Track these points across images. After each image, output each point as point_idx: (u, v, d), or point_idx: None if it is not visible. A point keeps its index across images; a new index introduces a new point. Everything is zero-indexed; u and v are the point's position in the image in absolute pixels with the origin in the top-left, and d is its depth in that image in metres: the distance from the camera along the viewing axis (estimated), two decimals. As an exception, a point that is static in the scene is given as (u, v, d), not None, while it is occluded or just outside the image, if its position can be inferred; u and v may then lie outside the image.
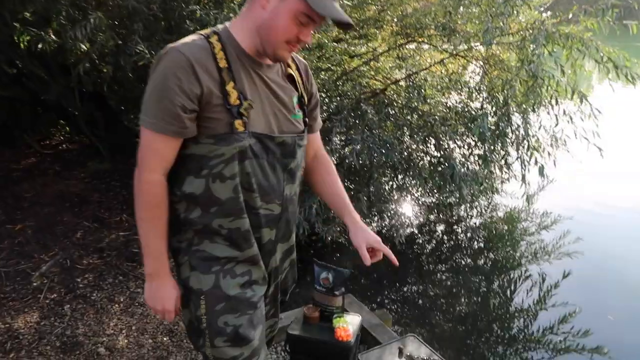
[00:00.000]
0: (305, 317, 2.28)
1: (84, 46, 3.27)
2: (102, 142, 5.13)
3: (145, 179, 1.26)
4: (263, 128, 1.30)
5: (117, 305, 2.94)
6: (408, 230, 4.46)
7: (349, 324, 2.22)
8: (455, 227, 5.31)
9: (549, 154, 4.04)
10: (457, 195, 4.05)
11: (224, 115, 1.23)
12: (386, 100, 4.26)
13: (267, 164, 1.32)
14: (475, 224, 5.36)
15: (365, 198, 3.98)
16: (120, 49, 3.38)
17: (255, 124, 1.28)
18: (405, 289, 4.05)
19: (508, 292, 4.26)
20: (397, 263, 1.47)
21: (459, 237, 5.21)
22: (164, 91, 1.19)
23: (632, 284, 4.15)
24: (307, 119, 1.47)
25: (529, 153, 3.91)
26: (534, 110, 3.88)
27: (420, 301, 3.92)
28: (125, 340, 2.63)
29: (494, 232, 5.26)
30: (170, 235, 1.36)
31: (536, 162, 3.85)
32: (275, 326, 1.68)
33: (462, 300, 4.03)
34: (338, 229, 3.83)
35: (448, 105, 4.45)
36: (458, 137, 4.24)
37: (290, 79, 1.42)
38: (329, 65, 4.23)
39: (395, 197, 4.65)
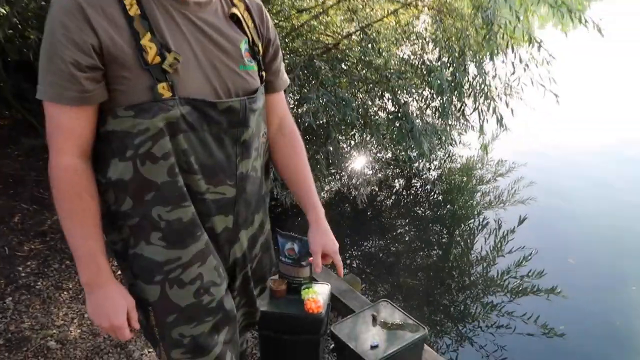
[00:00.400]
0: (272, 291, 2.15)
1: (2, 9, 2.89)
2: (36, 115, 4.71)
3: (55, 164, 1.00)
4: (199, 90, 1.03)
5: (65, 293, 2.71)
6: (368, 189, 4.38)
7: (318, 295, 2.11)
8: (413, 181, 5.30)
9: (506, 103, 3.99)
10: (416, 150, 3.97)
11: (142, 78, 0.97)
12: (339, 56, 4.06)
13: (211, 138, 1.06)
14: (433, 176, 5.36)
15: (323, 158, 3.84)
16: (45, 10, 3.00)
17: (188, 86, 1.01)
18: (368, 248, 4.01)
19: (468, 241, 4.31)
20: (341, 275, 1.42)
21: (418, 191, 5.20)
22: (52, 48, 0.94)
23: (586, 225, 4.28)
24: (263, 73, 1.19)
25: (487, 103, 3.86)
26: (491, 59, 3.79)
27: (385, 259, 3.89)
28: (78, 331, 2.44)
29: (452, 183, 5.29)
30: (105, 232, 1.12)
31: (494, 112, 3.81)
32: (255, 314, 1.46)
33: (424, 253, 4.04)
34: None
35: (403, 58, 4.31)
36: (415, 91, 4.13)
37: (236, 20, 1.12)
38: (277, 21, 3.97)
39: (354, 156, 4.53)
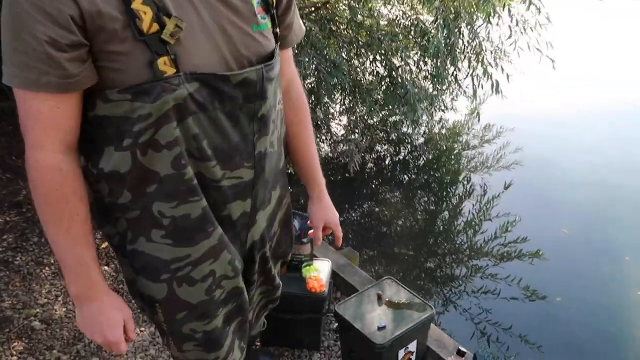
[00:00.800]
0: (271, 269, 2.05)
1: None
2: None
3: (34, 162, 0.83)
4: (208, 61, 0.85)
5: (47, 269, 2.56)
6: (359, 155, 4.27)
7: (320, 272, 2.02)
8: (404, 146, 5.21)
9: (502, 68, 3.88)
10: (408, 115, 3.86)
11: (137, 53, 0.78)
12: (329, 16, 3.85)
13: (224, 117, 0.90)
14: (423, 142, 5.28)
15: (312, 124, 3.69)
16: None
17: (194, 57, 0.83)
18: (361, 217, 3.93)
19: (457, 206, 4.28)
20: (339, 244, 1.41)
21: (408, 156, 5.13)
22: (17, 21, 0.73)
23: (574, 191, 4.28)
24: (278, 30, 1.00)
25: (482, 68, 3.74)
26: (489, 21, 3.64)
27: (376, 228, 3.83)
28: (63, 309, 2.31)
29: (442, 149, 5.22)
30: (98, 223, 0.98)
31: (490, 77, 3.69)
32: (275, 292, 1.36)
33: (414, 220, 3.99)
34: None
35: (396, 19, 4.11)
36: (408, 54, 3.97)
37: None
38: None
39: (345, 122, 4.39)
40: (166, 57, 0.80)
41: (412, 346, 1.88)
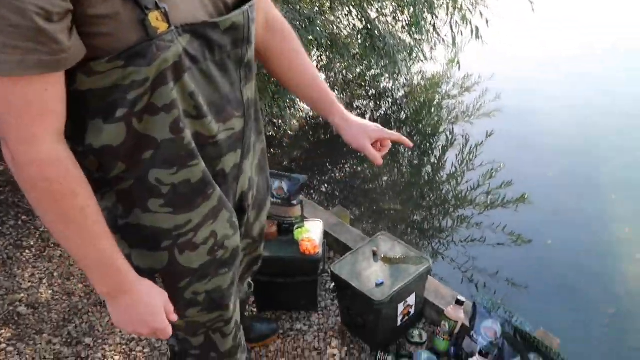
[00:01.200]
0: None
1: None
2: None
3: (28, 160, 0.71)
4: (194, 9, 0.78)
5: (27, 252, 2.47)
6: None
7: (312, 234, 1.97)
8: (384, 101, 5.12)
9: (480, 13, 3.78)
10: (388, 67, 3.76)
11: (126, 11, 0.69)
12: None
13: (214, 66, 0.84)
14: (404, 95, 5.19)
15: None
16: None
17: (182, 7, 0.76)
18: (345, 175, 3.88)
19: (441, 158, 4.25)
20: (411, 144, 1.20)
21: (389, 110, 5.05)
22: None
23: (554, 134, 4.29)
24: None
25: (460, 14, 3.64)
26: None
27: (361, 185, 3.79)
28: (49, 292, 2.23)
29: (423, 101, 5.15)
30: None
31: (469, 23, 3.60)
32: (259, 248, 1.34)
33: (397, 174, 3.96)
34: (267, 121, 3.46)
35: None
36: (384, 4, 3.84)
37: None
38: None
39: (323, 78, 4.27)
40: (157, 12, 0.71)
41: (411, 299, 1.86)
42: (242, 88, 0.92)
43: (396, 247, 1.95)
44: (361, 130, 1.13)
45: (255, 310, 2.08)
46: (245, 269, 1.35)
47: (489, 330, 1.71)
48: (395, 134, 1.15)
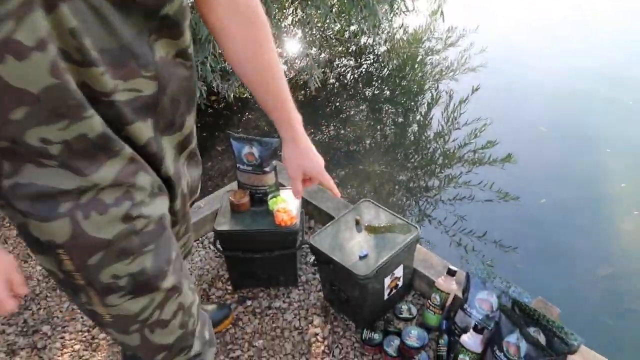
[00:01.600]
0: (233, 206, 1.80)
1: None
2: None
3: None
4: None
5: (-21, 233, 2.25)
6: (319, 71, 3.93)
7: (288, 203, 1.79)
8: (365, 58, 4.86)
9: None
10: (368, 20, 3.50)
11: None
12: None
13: (111, 6, 0.64)
14: (386, 50, 4.94)
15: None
16: None
17: None
18: (326, 137, 3.67)
19: (426, 116, 4.06)
20: (339, 195, 1.14)
21: (371, 68, 4.80)
22: None
23: (541, 88, 4.10)
24: None
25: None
26: None
27: (344, 147, 3.59)
28: None
29: (405, 56, 4.91)
30: None
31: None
32: (189, 243, 1.16)
33: (382, 135, 3.77)
34: (240, 83, 3.21)
35: None
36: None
37: None
38: None
39: (298, 35, 4.00)
40: None
41: (399, 271, 1.70)
42: (152, 43, 0.71)
43: (381, 215, 1.78)
44: (302, 159, 1.04)
45: (230, 288, 1.90)
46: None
47: (484, 302, 1.56)
48: (328, 181, 1.08)
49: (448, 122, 3.80)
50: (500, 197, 2.84)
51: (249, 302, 1.84)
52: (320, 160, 1.07)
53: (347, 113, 3.99)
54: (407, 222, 1.73)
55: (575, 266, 2.38)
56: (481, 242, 2.54)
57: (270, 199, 1.80)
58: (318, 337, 1.71)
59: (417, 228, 1.70)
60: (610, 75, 4.19)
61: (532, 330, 1.43)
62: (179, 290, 0.90)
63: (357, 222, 1.74)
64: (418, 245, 1.83)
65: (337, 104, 4.12)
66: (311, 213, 2.19)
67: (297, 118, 1.01)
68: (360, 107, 4.11)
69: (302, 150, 1.03)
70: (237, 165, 1.83)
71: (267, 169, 1.81)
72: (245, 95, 3.71)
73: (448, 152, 3.42)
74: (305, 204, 2.16)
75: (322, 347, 1.67)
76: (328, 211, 2.09)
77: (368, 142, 3.62)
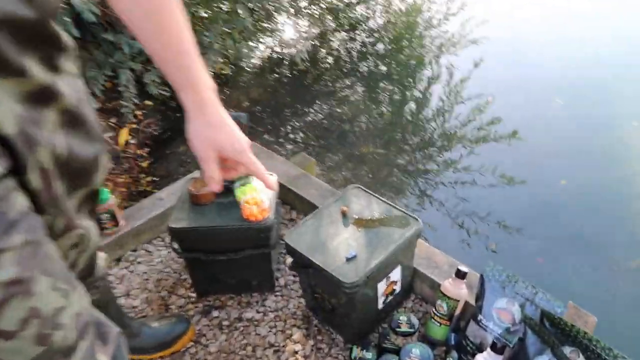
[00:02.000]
0: (193, 197, 1.47)
1: None
2: None
3: None
4: None
5: None
6: (308, 43, 3.58)
7: (260, 192, 1.46)
8: (359, 32, 4.49)
9: None
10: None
11: None
12: None
13: None
14: (378, 23, 4.57)
15: (249, 16, 2.94)
16: None
17: None
18: (316, 117, 3.33)
19: (425, 94, 3.72)
20: (275, 188, 0.97)
21: (364, 41, 4.43)
22: None
23: (545, 61, 3.75)
24: None
25: None
26: None
27: (336, 128, 3.25)
28: None
29: (403, 30, 4.54)
30: None
31: None
32: (86, 246, 0.75)
33: (378, 114, 3.43)
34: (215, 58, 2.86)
35: None
36: None
37: None
38: None
39: (283, 7, 3.62)
40: None
41: (396, 274, 1.38)
42: None
43: (373, 205, 1.45)
44: (214, 134, 0.74)
45: (194, 295, 1.58)
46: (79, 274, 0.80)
47: (503, 312, 1.24)
48: (252, 162, 0.77)
49: (450, 98, 3.47)
50: (513, 180, 2.52)
51: (215, 313, 1.52)
52: (242, 137, 0.77)
53: (339, 90, 3.64)
54: (405, 212, 1.41)
55: (597, 258, 2.06)
56: (496, 234, 2.21)
57: (238, 188, 1.47)
58: (298, 355, 1.39)
59: (417, 220, 1.37)
60: (625, 51, 3.83)
61: (568, 351, 1.11)
62: (27, 287, 0.57)
63: (344, 214, 1.42)
64: (419, 240, 1.50)
65: (329, 81, 3.77)
66: (292, 202, 1.87)
67: (206, 82, 0.73)
68: (354, 84, 3.76)
69: (213, 122, 0.74)
70: (196, 147, 1.49)
71: (232, 151, 1.47)
72: (227, 73, 3.36)
73: (451, 132, 3.09)
74: (285, 192, 1.83)
75: (303, 369, 1.36)
76: (312, 200, 1.77)
77: (362, 122, 3.28)
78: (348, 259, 1.27)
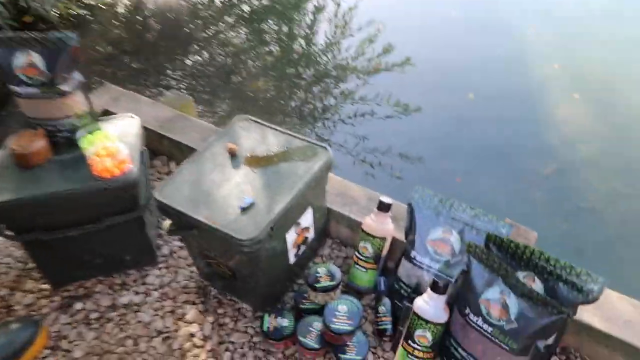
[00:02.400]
0: (20, 158, 1.06)
1: None
2: None
3: None
4: None
5: None
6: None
7: (114, 140, 1.08)
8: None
9: None
10: None
11: None
12: None
13: None
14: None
15: None
16: None
17: None
18: (193, 58, 2.89)
19: (312, 26, 3.41)
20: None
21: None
22: None
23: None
24: None
25: None
26: None
27: (216, 68, 2.84)
28: None
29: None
30: None
31: None
32: None
33: (263, 51, 3.08)
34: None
35: None
36: None
37: None
38: None
39: None
40: None
41: (306, 219, 1.11)
42: None
43: (268, 137, 1.14)
44: None
45: (47, 288, 1.19)
46: None
47: (440, 244, 1.02)
48: None
49: (338, 29, 3.19)
50: (409, 109, 2.32)
51: (78, 306, 1.15)
52: None
53: (222, 32, 3.20)
54: (310, 141, 1.12)
55: (513, 168, 1.95)
56: (408, 161, 2.02)
57: (83, 137, 1.09)
58: (195, 338, 1.09)
59: (326, 149, 1.10)
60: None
61: (521, 276, 0.92)
62: None
63: (233, 154, 1.09)
64: (330, 174, 1.23)
65: (208, 19, 3.30)
66: (169, 151, 1.50)
67: None
68: (230, 22, 3.33)
69: None
70: (10, 87, 1.06)
71: (66, 88, 1.07)
72: (71, 11, 2.77)
73: (344, 64, 2.83)
74: (157, 139, 1.46)
75: (204, 355, 1.06)
76: (193, 145, 1.42)
77: (247, 60, 2.91)
78: (243, 209, 0.96)
